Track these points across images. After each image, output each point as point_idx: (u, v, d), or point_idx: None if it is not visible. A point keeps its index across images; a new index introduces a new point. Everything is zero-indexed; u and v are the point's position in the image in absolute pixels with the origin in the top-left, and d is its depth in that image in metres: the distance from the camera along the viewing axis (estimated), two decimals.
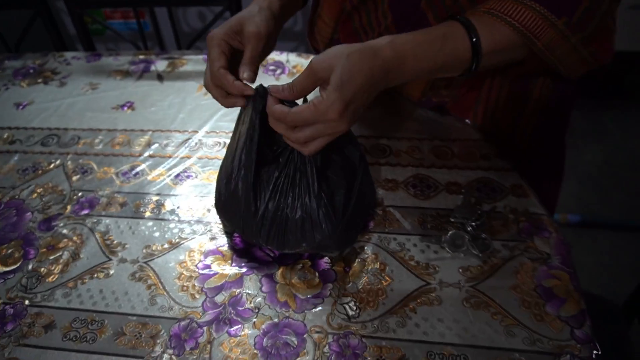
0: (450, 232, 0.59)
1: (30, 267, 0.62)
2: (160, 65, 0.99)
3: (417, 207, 0.65)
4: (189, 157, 0.76)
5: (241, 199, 0.55)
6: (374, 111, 0.80)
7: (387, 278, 0.56)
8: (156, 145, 0.79)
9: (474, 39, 0.51)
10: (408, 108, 0.79)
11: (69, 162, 0.77)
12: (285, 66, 0.95)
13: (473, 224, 0.60)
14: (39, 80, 0.99)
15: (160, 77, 0.96)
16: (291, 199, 0.54)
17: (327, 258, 0.59)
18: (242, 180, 0.54)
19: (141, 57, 1.02)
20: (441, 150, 0.73)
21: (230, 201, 0.57)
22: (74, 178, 0.74)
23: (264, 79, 0.82)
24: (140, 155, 0.78)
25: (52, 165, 0.77)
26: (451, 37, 0.51)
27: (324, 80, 0.47)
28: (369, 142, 0.75)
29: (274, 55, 0.98)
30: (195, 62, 0.99)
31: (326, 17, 0.75)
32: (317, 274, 0.57)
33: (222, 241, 0.62)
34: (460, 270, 0.57)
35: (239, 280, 0.58)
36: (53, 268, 0.61)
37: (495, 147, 0.72)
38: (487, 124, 0.74)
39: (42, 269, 0.61)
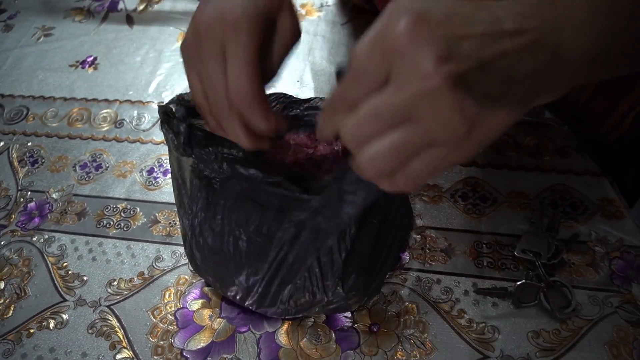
0: (518, 283, 0.43)
1: None
2: (131, 1, 0.77)
3: (469, 231, 0.48)
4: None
5: (234, 266, 0.38)
6: None
7: (429, 346, 0.42)
8: (124, 122, 0.61)
9: None
10: None
11: (16, 147, 0.60)
12: None
13: (548, 262, 0.44)
14: None
15: (130, 19, 0.74)
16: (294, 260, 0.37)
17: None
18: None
19: None
20: (500, 139, 0.54)
21: (216, 263, 0.41)
22: (22, 171, 0.58)
23: None
24: (104, 138, 0.60)
25: None
26: None
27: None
28: None
29: None
30: None
31: None
32: (333, 335, 0.43)
33: None
34: (530, 336, 0.41)
35: (229, 340, 0.43)
36: None
37: (576, 136, 0.53)
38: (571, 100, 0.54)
39: None
